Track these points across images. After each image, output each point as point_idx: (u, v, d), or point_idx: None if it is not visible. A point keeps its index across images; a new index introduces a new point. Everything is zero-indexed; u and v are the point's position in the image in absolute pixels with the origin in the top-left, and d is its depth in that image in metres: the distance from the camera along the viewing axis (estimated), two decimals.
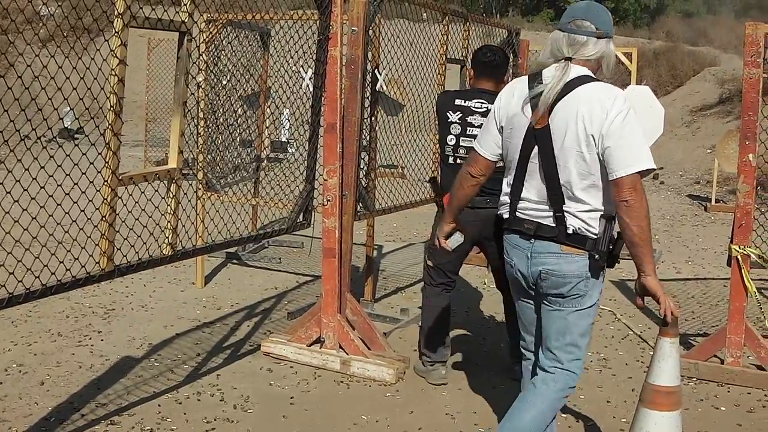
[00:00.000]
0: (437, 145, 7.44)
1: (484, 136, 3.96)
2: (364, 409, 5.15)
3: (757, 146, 5.74)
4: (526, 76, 3.89)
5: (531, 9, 50.71)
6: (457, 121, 5.49)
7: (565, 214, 3.69)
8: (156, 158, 14.90)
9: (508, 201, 3.89)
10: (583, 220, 3.68)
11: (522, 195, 3.81)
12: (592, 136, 3.57)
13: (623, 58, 11.00)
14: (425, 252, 5.86)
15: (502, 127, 3.87)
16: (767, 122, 6.35)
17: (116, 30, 3.92)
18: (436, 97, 5.93)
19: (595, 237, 3.69)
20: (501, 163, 4.66)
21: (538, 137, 3.69)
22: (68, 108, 14.89)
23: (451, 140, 5.51)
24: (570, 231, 3.69)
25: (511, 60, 8.66)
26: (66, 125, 18.33)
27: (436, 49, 7.32)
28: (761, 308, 5.83)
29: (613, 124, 3.55)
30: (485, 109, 5.42)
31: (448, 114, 5.53)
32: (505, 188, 3.92)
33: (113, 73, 3.94)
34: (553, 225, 3.72)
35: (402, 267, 9.09)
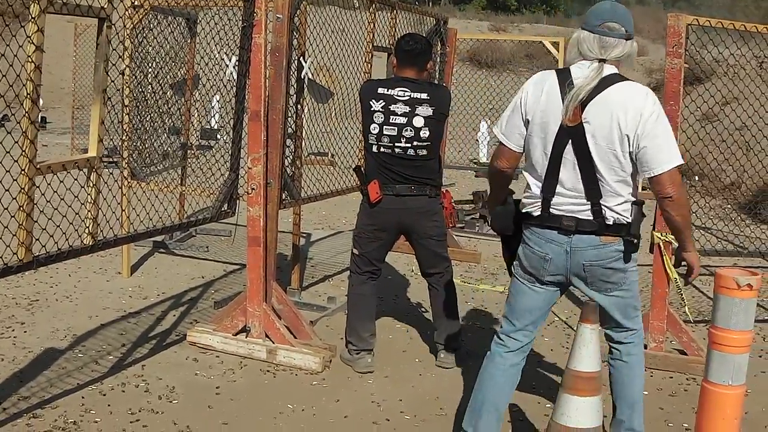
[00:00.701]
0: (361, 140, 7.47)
1: (510, 129, 4.09)
2: (291, 398, 5.14)
3: (679, 135, 5.83)
4: (553, 71, 4.07)
5: None
6: (381, 109, 5.48)
7: (603, 207, 3.91)
8: (83, 146, 14.62)
9: (540, 197, 4.03)
10: (618, 212, 3.92)
11: (556, 190, 3.96)
12: (627, 136, 3.80)
13: (551, 48, 11.10)
14: (352, 241, 5.88)
15: (527, 120, 4.00)
16: (689, 112, 6.48)
17: (32, 15, 3.84)
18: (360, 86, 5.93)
19: (629, 223, 3.96)
20: (421, 152, 5.42)
21: (572, 134, 3.86)
22: None
23: (374, 129, 5.49)
24: (609, 222, 3.92)
25: (438, 49, 8.70)
26: None
27: (363, 37, 7.30)
28: (681, 295, 5.93)
29: (647, 124, 3.79)
30: (408, 97, 5.47)
31: (371, 103, 5.52)
32: (535, 184, 4.06)
33: (30, 59, 3.86)
34: (592, 218, 3.93)
35: (330, 255, 9.07)
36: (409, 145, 5.48)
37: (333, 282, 7.97)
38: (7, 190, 3.92)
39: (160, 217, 5.88)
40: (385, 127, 5.47)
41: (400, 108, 5.46)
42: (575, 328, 4.13)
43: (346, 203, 10.51)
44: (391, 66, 5.93)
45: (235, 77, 5.85)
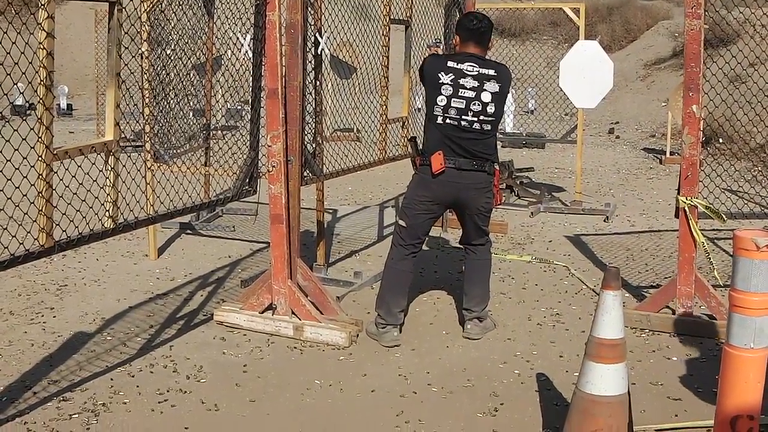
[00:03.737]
0: (382, 107, 7.44)
1: None
2: (318, 374, 5.15)
3: (701, 97, 5.76)
4: None
5: None
6: (450, 82, 5.52)
7: None
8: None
9: None
10: None
11: None
12: None
13: (571, 14, 10.98)
14: (398, 213, 5.86)
15: None
16: (711, 74, 6.39)
17: (42, 3, 3.85)
18: (423, 59, 5.88)
19: None
20: (486, 126, 5.57)
21: None
22: (13, 84, 14.78)
23: (441, 101, 5.52)
24: None
25: (458, 18, 8.64)
26: (17, 102, 18.14)
27: (380, 10, 7.26)
28: (710, 259, 5.87)
29: None
30: (477, 72, 5.54)
31: (440, 75, 5.54)
32: None
33: (41, 46, 3.87)
34: None
35: (356, 230, 9.07)
36: (476, 119, 5.53)
37: (359, 257, 7.97)
38: (25, 177, 3.95)
39: (189, 198, 5.87)
40: (453, 99, 5.51)
41: (469, 82, 5.52)
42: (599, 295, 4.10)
43: (373, 178, 10.54)
44: (452, 44, 6.05)
45: (251, 55, 5.83)
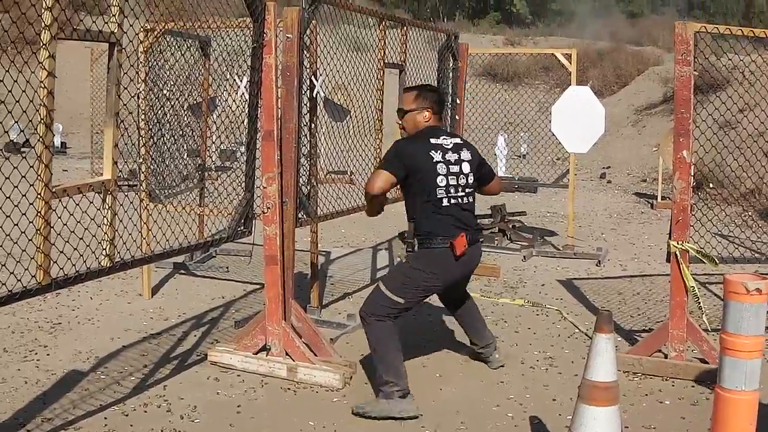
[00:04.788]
0: (376, 150, 7.45)
1: None
2: (312, 416, 5.15)
3: (692, 143, 5.83)
4: None
5: (477, 12, 51.00)
6: (441, 160, 5.33)
7: None
8: (103, 170, 14.74)
9: None
10: None
11: None
12: None
13: (563, 60, 11.10)
14: (386, 284, 5.45)
15: None
16: (701, 120, 6.47)
17: (44, 42, 3.90)
18: (394, 145, 5.41)
19: None
20: (471, 198, 5.49)
21: None
22: (13, 121, 14.86)
23: (441, 182, 5.29)
24: None
25: (451, 63, 8.75)
26: (12, 138, 18.17)
27: (375, 54, 7.34)
28: (699, 303, 5.91)
29: None
30: (452, 144, 5.44)
31: (431, 155, 5.30)
32: None
33: (42, 85, 3.91)
34: None
35: (350, 272, 9.10)
36: (465, 192, 5.42)
37: (353, 299, 7.98)
38: (24, 214, 3.99)
39: (180, 239, 5.90)
40: (449, 177, 5.33)
41: (452, 156, 5.38)
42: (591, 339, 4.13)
43: (366, 221, 10.51)
44: (423, 119, 5.51)
45: (247, 97, 5.89)
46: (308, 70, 6.33)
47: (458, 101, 9.08)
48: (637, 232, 12.37)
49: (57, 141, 19.63)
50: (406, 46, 7.74)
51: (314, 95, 6.39)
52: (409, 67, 7.92)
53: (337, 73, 6.96)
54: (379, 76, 7.34)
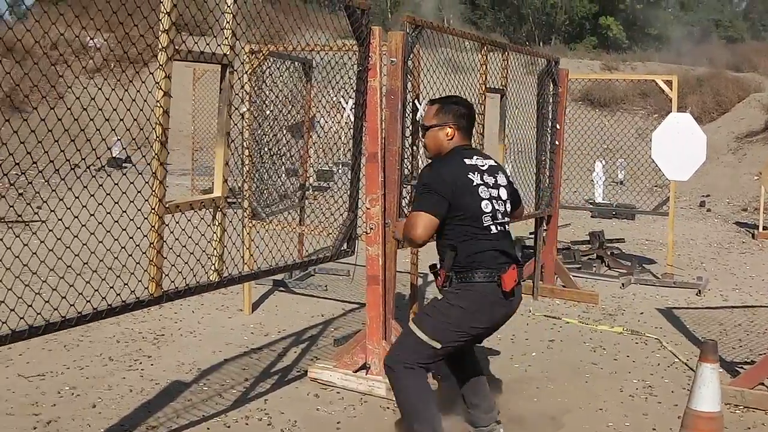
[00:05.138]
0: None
1: None
2: None
3: None
4: None
5: (573, 37, 50.76)
6: (481, 182, 4.52)
7: None
8: (202, 186, 15.09)
9: None
10: None
11: None
12: None
13: (663, 86, 10.99)
14: (418, 324, 4.59)
15: None
16: None
17: (160, 63, 4.04)
18: (428, 175, 4.57)
19: None
20: (508, 226, 4.65)
21: None
22: (116, 138, 15.25)
23: (486, 206, 4.47)
24: None
25: (551, 89, 8.74)
26: (114, 155, 18.67)
27: (477, 79, 7.38)
28: None
29: None
30: (487, 166, 4.62)
31: (470, 177, 4.48)
32: None
33: (158, 104, 4.05)
34: None
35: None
36: (504, 219, 4.62)
37: None
38: (139, 228, 4.11)
39: (282, 256, 6.01)
40: (493, 201, 4.54)
41: (489, 179, 4.57)
42: (695, 369, 4.09)
43: None
44: (444, 135, 4.68)
45: (353, 119, 5.98)
46: (411, 93, 6.40)
47: (557, 126, 9.07)
48: (737, 262, 12.14)
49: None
50: (507, 71, 7.76)
51: (417, 118, 6.45)
52: (510, 91, 7.94)
53: (437, 96, 7.00)
54: (480, 101, 7.37)
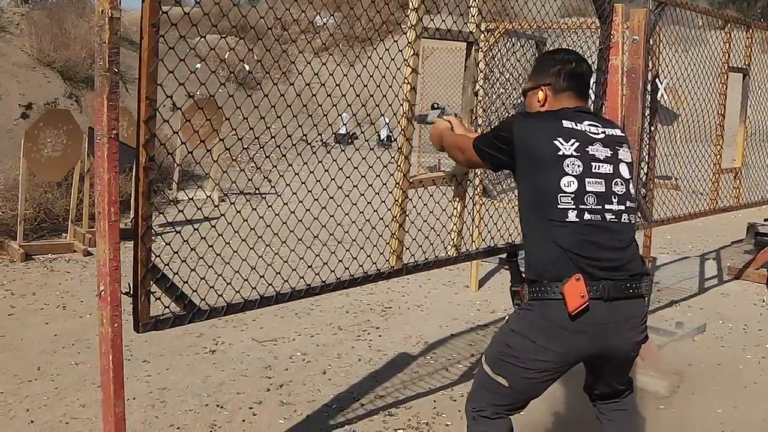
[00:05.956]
0: (715, 156, 7.16)
1: None
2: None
3: None
4: None
5: None
6: (574, 153, 3.34)
7: None
8: (428, 163, 15.30)
9: None
10: None
11: None
12: None
13: None
14: (485, 354, 3.60)
15: None
16: None
17: (409, 41, 4.13)
18: (509, 120, 3.70)
19: None
20: (633, 218, 3.48)
21: None
22: (347, 114, 15.75)
23: (568, 185, 3.29)
24: None
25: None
26: (344, 131, 19.25)
27: (715, 57, 7.12)
28: None
29: None
30: (603, 135, 3.45)
31: (556, 143, 3.33)
32: None
33: (406, 81, 4.16)
34: None
35: (676, 280, 8.86)
36: (623, 206, 3.40)
37: (679, 307, 7.79)
38: (383, 202, 4.23)
39: (510, 235, 6.01)
40: (587, 180, 3.33)
41: (601, 151, 3.40)
42: None
43: (692, 228, 10.26)
44: (539, 99, 3.63)
45: (592, 98, 5.90)
46: (651, 73, 6.25)
47: None
48: None
49: (383, 134, 20.58)
50: (751, 50, 7.45)
51: (658, 98, 6.29)
52: (754, 71, 7.62)
53: (677, 75, 6.81)
54: (722, 81, 7.10)
